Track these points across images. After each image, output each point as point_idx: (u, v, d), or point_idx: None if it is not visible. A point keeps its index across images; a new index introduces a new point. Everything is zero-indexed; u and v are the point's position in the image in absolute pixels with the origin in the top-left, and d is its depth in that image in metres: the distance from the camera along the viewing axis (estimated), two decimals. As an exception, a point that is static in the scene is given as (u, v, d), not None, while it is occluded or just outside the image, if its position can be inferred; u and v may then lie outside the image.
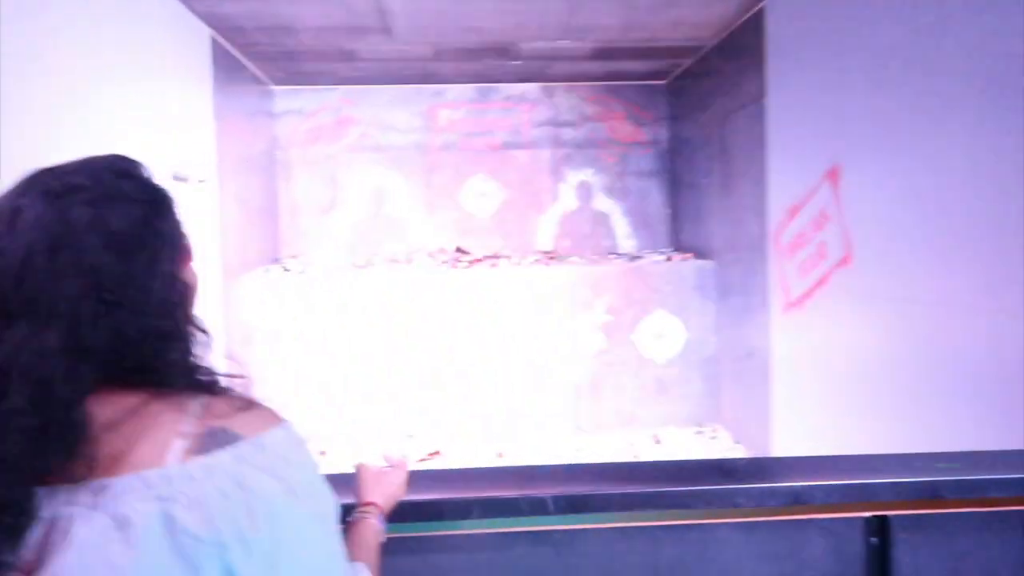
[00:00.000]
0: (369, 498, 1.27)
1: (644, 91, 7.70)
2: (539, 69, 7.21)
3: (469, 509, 1.46)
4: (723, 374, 6.38)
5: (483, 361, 6.43)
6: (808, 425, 4.83)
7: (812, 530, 1.55)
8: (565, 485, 1.55)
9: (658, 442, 6.18)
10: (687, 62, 6.92)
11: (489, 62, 6.92)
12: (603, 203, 7.74)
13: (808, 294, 4.75)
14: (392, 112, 7.69)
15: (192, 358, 0.92)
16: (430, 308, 6.41)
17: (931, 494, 1.54)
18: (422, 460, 5.83)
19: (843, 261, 4.32)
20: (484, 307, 6.42)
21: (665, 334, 6.50)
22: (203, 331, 0.96)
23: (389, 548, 1.24)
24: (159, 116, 4.65)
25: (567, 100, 7.73)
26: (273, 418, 0.90)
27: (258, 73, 7.04)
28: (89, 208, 0.86)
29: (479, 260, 7.06)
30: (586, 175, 7.73)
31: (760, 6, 5.32)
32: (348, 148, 7.67)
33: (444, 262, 7.03)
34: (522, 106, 7.72)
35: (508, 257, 7.23)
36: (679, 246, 7.40)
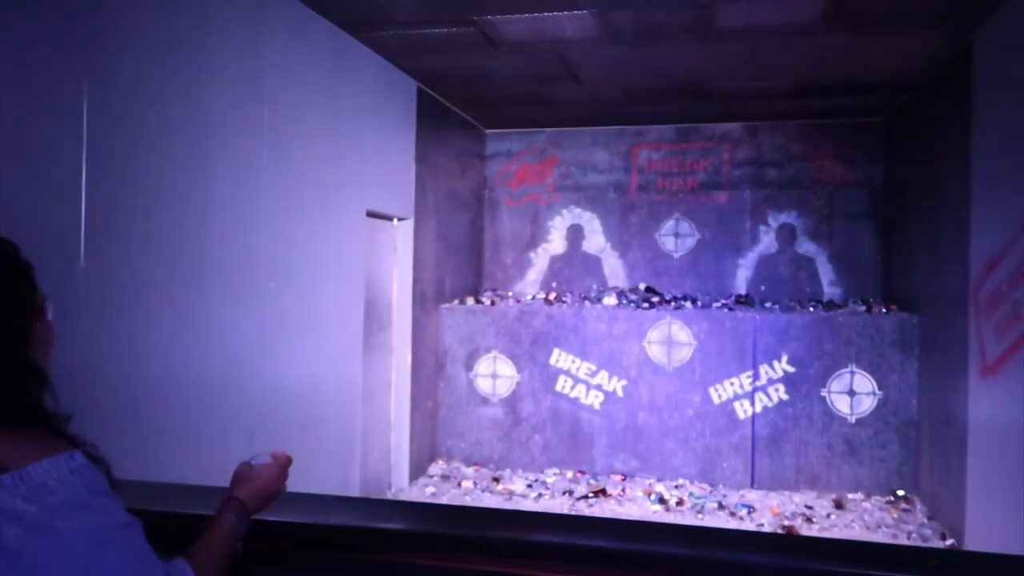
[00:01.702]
0: (232, 492, 1.36)
1: (857, 128, 7.22)
2: (740, 108, 7.06)
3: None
4: (923, 440, 5.76)
5: (660, 402, 6.38)
6: (1006, 507, 4.24)
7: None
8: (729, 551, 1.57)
9: (840, 507, 5.71)
10: (903, 96, 6.40)
11: (686, 103, 6.91)
12: (806, 247, 7.34)
13: (1003, 359, 4.21)
14: (593, 152, 7.92)
15: (20, 399, 1.07)
16: (616, 343, 6.50)
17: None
18: (588, 496, 5.91)
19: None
20: (661, 348, 6.38)
21: (858, 391, 6.01)
22: (41, 376, 1.11)
23: None
24: (364, 159, 5.26)
25: (771, 139, 7.47)
26: (48, 450, 1.02)
27: (469, 119, 7.63)
28: None
29: (666, 301, 7.02)
30: (789, 217, 7.39)
31: (968, 39, 4.84)
32: (550, 187, 8.01)
33: (632, 301, 7.09)
34: (723, 145, 7.59)
35: (697, 300, 7.10)
36: (889, 295, 6.80)
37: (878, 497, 5.92)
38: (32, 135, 2.70)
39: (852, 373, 6.04)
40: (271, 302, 4.15)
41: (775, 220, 7.42)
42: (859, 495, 5.95)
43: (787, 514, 5.60)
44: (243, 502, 1.35)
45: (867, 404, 6.01)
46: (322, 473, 4.76)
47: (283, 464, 1.45)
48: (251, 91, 3.99)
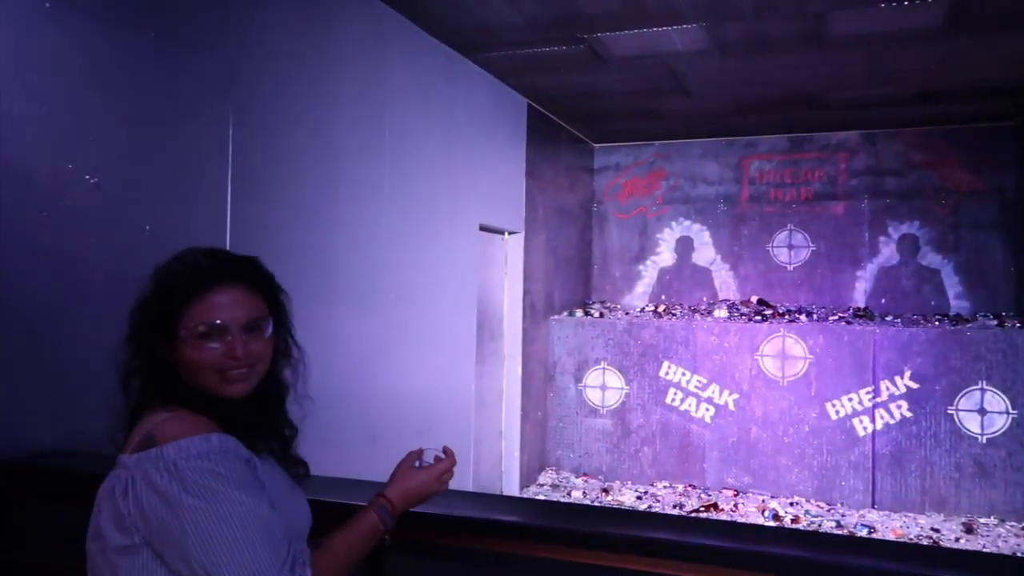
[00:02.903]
0: (385, 490, 1.43)
1: (985, 134, 6.87)
2: (857, 117, 6.86)
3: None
4: (1063, 463, 5.41)
5: (774, 416, 6.26)
6: None
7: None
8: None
9: (970, 532, 5.43)
10: (1037, 100, 6.07)
11: (798, 113, 6.78)
12: (930, 258, 7.02)
13: None
14: (703, 164, 7.87)
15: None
16: (727, 356, 6.43)
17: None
18: (699, 510, 5.86)
19: None
20: (774, 361, 6.26)
21: (990, 409, 5.71)
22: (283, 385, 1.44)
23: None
24: (476, 176, 5.45)
25: (890, 147, 7.21)
26: (191, 432, 1.18)
27: (578, 134, 7.75)
28: (153, 278, 1.34)
29: (780, 314, 6.88)
30: (911, 227, 7.10)
31: (1110, 35, 4.56)
32: (658, 200, 8.01)
33: (744, 314, 6.98)
34: (839, 155, 7.38)
35: (812, 313, 6.93)
36: (1023, 309, 6.43)
37: (1013, 523, 5.59)
38: (185, 158, 2.99)
39: (983, 391, 5.74)
40: (391, 313, 4.37)
41: (896, 231, 7.14)
42: (991, 520, 5.63)
43: (911, 537, 5.37)
44: (391, 501, 1.42)
45: (1000, 423, 5.69)
46: (437, 478, 4.94)
47: (442, 471, 1.49)
48: (374, 114, 4.23)
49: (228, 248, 3.16)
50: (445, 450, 1.53)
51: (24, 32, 2.35)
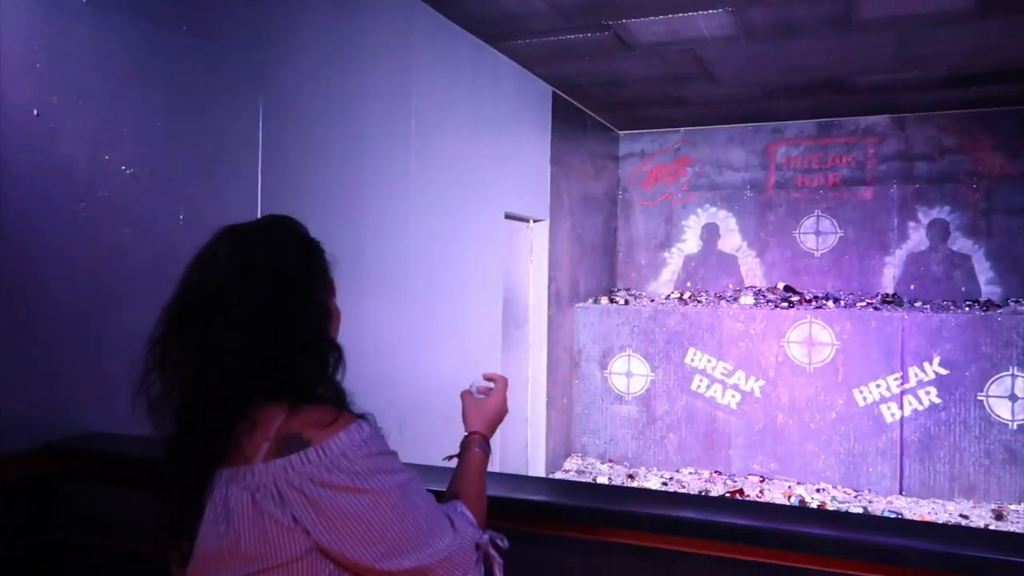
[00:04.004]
0: (470, 427, 1.48)
1: (1019, 117, 6.75)
2: (887, 100, 6.78)
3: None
4: (1096, 450, 5.34)
5: (800, 403, 6.24)
6: None
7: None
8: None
9: (1000, 518, 5.39)
10: (1072, 82, 5.96)
11: (826, 97, 6.71)
12: (961, 243, 6.94)
13: None
14: (729, 151, 7.83)
15: (318, 373, 1.19)
16: (753, 342, 6.42)
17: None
18: (725, 496, 5.87)
19: None
20: (801, 348, 6.24)
21: (1021, 396, 5.65)
22: (337, 349, 1.24)
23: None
24: (502, 164, 5.48)
25: (920, 131, 7.11)
26: (342, 423, 1.12)
27: (603, 121, 7.73)
28: (262, 252, 1.19)
29: (807, 301, 6.84)
30: (941, 212, 7.01)
31: None
32: (684, 187, 7.98)
33: (770, 301, 6.96)
34: (867, 140, 7.30)
35: (839, 299, 6.88)
36: (1057, 295, 6.34)
37: (1044, 509, 5.54)
38: (217, 149, 3.05)
39: (1014, 377, 5.68)
40: (418, 300, 4.43)
41: (926, 216, 7.06)
42: (1022, 506, 5.58)
43: (940, 523, 5.34)
44: (481, 433, 1.49)
45: (1031, 410, 5.63)
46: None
47: (504, 387, 1.57)
48: (401, 104, 4.27)
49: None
50: (488, 376, 1.59)
51: (63, 29, 2.42)
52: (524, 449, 6.26)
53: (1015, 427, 5.66)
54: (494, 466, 5.24)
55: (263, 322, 1.14)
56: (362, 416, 1.18)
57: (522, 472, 6.18)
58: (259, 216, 3.25)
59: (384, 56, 4.12)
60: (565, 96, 6.69)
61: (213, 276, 1.17)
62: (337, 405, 1.17)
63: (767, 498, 5.89)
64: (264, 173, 3.27)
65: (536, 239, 6.31)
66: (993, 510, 5.51)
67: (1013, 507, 5.59)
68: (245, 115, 3.19)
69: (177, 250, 2.78)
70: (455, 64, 4.89)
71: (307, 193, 3.56)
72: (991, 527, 5.25)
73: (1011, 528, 5.25)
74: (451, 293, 4.83)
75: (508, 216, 5.66)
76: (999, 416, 5.70)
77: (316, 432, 1.11)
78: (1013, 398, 5.66)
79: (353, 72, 3.87)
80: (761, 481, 6.23)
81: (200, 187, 2.97)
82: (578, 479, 6.38)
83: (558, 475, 6.49)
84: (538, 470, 6.28)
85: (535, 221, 6.28)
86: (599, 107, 7.23)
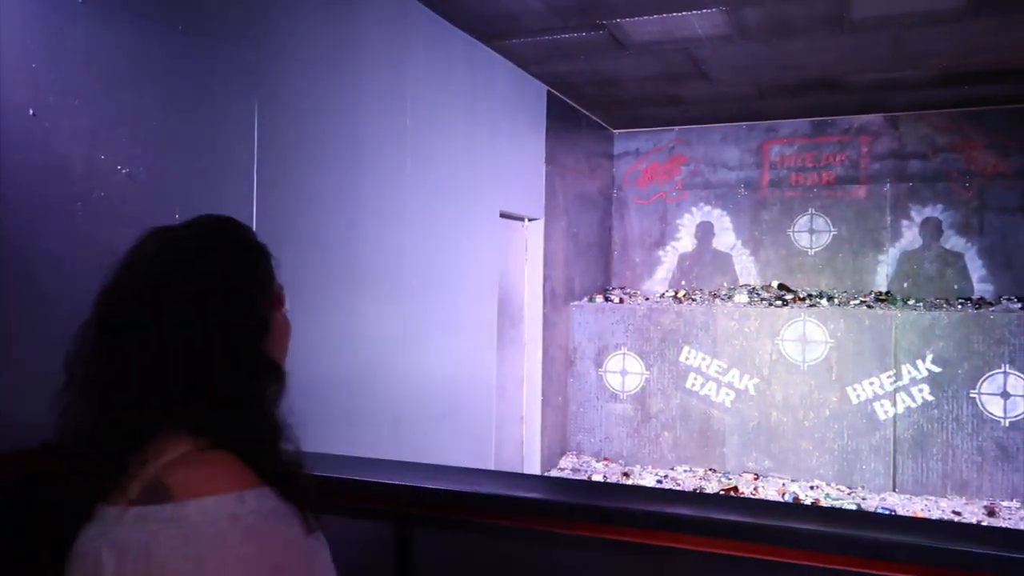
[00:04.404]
0: None
1: (1011, 115, 6.79)
2: (880, 99, 6.81)
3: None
4: (1087, 447, 5.39)
5: (794, 400, 6.27)
6: None
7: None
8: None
9: (992, 515, 5.43)
10: (1064, 81, 5.99)
11: (820, 96, 6.74)
12: (954, 241, 6.97)
13: None
14: (723, 149, 7.85)
15: (241, 400, 0.96)
16: (748, 340, 6.45)
17: None
18: (719, 494, 5.89)
19: None
20: (795, 345, 6.27)
21: (1013, 393, 5.68)
22: (275, 371, 1.02)
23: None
24: (497, 163, 5.49)
25: (914, 130, 7.15)
26: (225, 485, 0.87)
27: (598, 120, 7.75)
28: (187, 255, 1.02)
29: (801, 299, 6.87)
30: (934, 211, 7.05)
31: None
32: (678, 185, 8.00)
33: (764, 299, 6.98)
34: (861, 138, 7.33)
35: (833, 297, 6.91)
36: (1049, 293, 6.38)
37: (1035, 506, 5.58)
38: (213, 147, 3.06)
39: (1006, 374, 5.71)
40: (413, 299, 4.44)
41: (918, 214, 7.10)
42: (1014, 503, 5.63)
43: (933, 519, 5.38)
44: None
45: (1023, 407, 5.67)
46: (459, 460, 5.02)
47: None
48: (396, 103, 4.28)
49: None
50: None
51: (59, 28, 2.42)
52: (519, 447, 6.28)
53: (1007, 424, 5.70)
54: (490, 464, 5.27)
55: (180, 336, 0.95)
56: (271, 478, 0.91)
57: (518, 470, 6.20)
58: (255, 212, 3.27)
59: (379, 55, 4.13)
60: (560, 95, 6.70)
61: (130, 283, 1.01)
62: (252, 450, 0.93)
63: (761, 495, 5.91)
64: (260, 171, 3.27)
65: (531, 238, 6.32)
66: (985, 507, 5.55)
67: (1005, 503, 5.63)
68: (240, 113, 3.20)
69: (173, 249, 2.79)
70: (450, 63, 4.90)
71: (302, 192, 3.56)
72: (983, 523, 5.28)
73: (1003, 524, 5.29)
74: (446, 291, 4.85)
75: (503, 215, 5.68)
76: (991, 413, 5.74)
77: (183, 486, 0.87)
78: (1005, 395, 5.70)
79: (348, 71, 3.88)
80: (755, 479, 6.26)
81: (196, 186, 2.97)
82: (573, 477, 6.40)
83: (553, 473, 6.51)
84: (533, 468, 6.30)
85: (530, 220, 6.29)
86: (594, 106, 7.25)
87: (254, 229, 3.15)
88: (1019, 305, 6.07)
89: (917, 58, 5.56)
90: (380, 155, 4.14)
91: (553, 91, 6.55)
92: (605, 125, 8.01)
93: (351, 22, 3.92)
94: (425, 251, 4.57)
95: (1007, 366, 5.70)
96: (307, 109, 3.61)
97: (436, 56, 4.71)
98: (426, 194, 4.58)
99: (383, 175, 4.17)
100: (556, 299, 6.67)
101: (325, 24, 3.72)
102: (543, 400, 6.41)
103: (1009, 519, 5.38)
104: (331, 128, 3.76)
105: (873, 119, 7.29)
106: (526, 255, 6.30)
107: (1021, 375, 5.66)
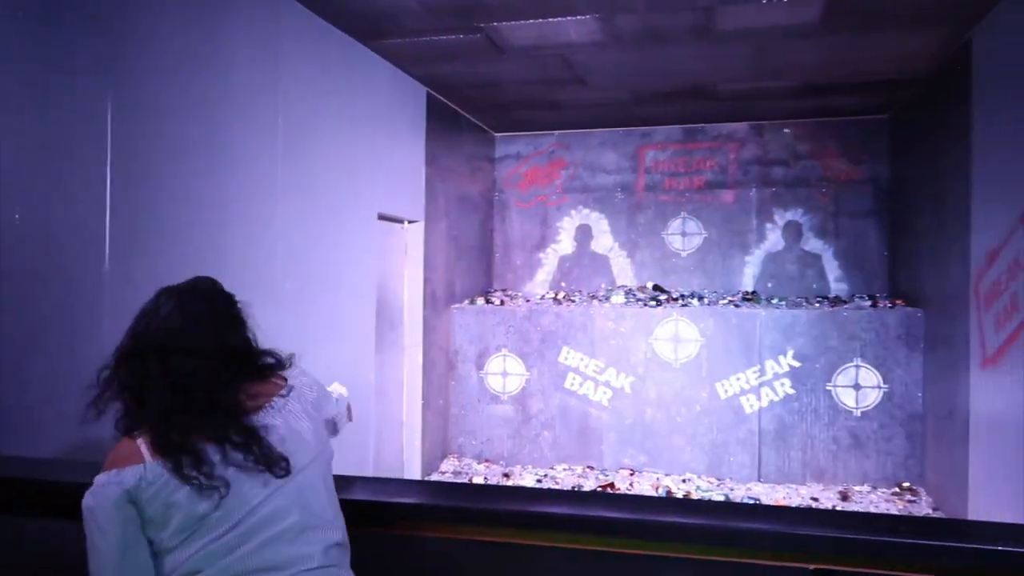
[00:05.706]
0: None
1: (862, 126, 7.30)
2: (746, 108, 7.16)
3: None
4: (928, 432, 5.84)
5: (668, 398, 6.49)
6: (1007, 496, 4.32)
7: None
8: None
9: (846, 499, 5.80)
10: (908, 94, 6.48)
11: (691, 104, 7.02)
12: (813, 243, 7.42)
13: (1001, 350, 4.30)
14: (601, 154, 8.04)
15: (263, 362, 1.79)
16: (624, 340, 6.61)
17: None
18: (597, 491, 6.02)
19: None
20: (668, 344, 6.49)
21: (864, 384, 6.10)
22: (266, 351, 1.82)
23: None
24: (375, 164, 5.40)
25: (777, 138, 7.56)
26: (112, 458, 1.51)
27: (478, 123, 7.77)
28: (198, 303, 1.70)
29: (674, 299, 7.12)
30: (795, 214, 7.48)
31: (967, 37, 4.93)
32: (558, 189, 8.13)
33: (640, 299, 7.19)
34: (729, 145, 7.69)
35: (704, 297, 7.21)
36: (895, 291, 6.88)
37: (884, 489, 6.00)
38: (60, 144, 2.85)
39: (857, 367, 6.12)
40: (288, 302, 4.29)
41: (781, 218, 7.51)
42: (865, 487, 6.03)
43: (793, 507, 5.69)
44: None
45: (872, 398, 6.09)
46: (336, 468, 4.89)
47: None
48: (267, 100, 4.13)
49: (108, 236, 3.04)
50: None
51: None
52: (400, 452, 6.19)
53: (859, 414, 6.11)
54: (369, 470, 5.15)
55: (216, 337, 1.69)
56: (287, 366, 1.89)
57: (398, 474, 6.12)
58: (108, 212, 3.06)
59: (250, 51, 3.97)
60: (440, 97, 6.67)
61: (171, 322, 1.63)
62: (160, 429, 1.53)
63: (636, 490, 6.09)
64: (114, 171, 3.07)
65: (411, 240, 6.26)
66: (839, 492, 5.93)
67: (857, 488, 6.03)
68: (91, 108, 2.99)
69: (11, 252, 2.57)
70: (326, 62, 4.78)
71: (162, 192, 3.38)
72: (837, 507, 5.64)
73: (855, 507, 5.66)
74: (322, 295, 4.72)
75: (382, 217, 5.59)
76: (845, 404, 6.14)
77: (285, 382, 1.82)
78: (857, 387, 6.11)
79: (215, 67, 3.71)
80: (631, 474, 6.44)
81: (41, 186, 2.75)
82: (454, 480, 6.38)
83: (434, 476, 6.47)
84: (414, 472, 6.24)
85: (410, 222, 6.23)
86: (474, 109, 7.26)
87: (108, 231, 2.96)
88: (869, 303, 6.52)
89: (778, 69, 5.88)
90: (249, 154, 3.98)
91: (433, 93, 6.51)
92: (486, 128, 8.04)
93: (219, 18, 3.75)
94: (300, 253, 4.43)
95: (859, 359, 6.11)
96: (169, 106, 3.42)
97: (311, 54, 4.58)
98: (300, 195, 4.44)
99: (253, 175, 4.01)
100: (437, 301, 6.63)
101: (190, 18, 3.54)
102: (424, 403, 6.36)
103: (860, 502, 5.76)
104: (195, 126, 3.58)
105: (740, 127, 7.66)
106: (406, 257, 6.23)
107: (871, 367, 6.08)
